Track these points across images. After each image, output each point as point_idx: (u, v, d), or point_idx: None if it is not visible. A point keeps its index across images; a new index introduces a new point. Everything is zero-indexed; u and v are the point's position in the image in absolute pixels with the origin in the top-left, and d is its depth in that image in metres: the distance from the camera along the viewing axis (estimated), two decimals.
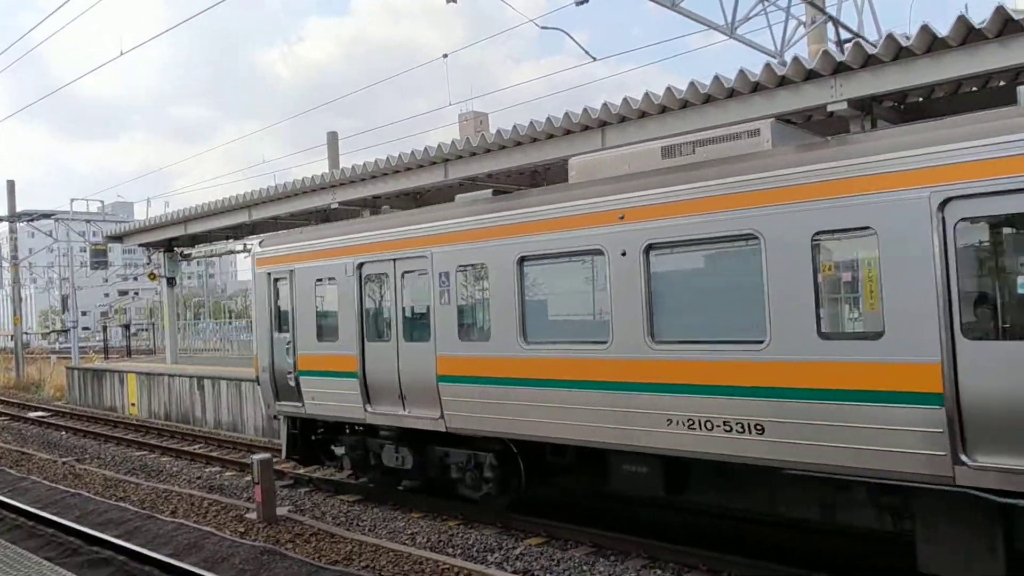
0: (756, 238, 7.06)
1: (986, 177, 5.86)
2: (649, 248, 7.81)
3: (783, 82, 9.75)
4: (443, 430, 9.79)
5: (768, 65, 9.85)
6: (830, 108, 9.62)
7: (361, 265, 10.74)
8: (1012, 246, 6.28)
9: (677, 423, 7.58)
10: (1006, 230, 6.24)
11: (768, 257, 6.99)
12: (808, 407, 6.79)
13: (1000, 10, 7.87)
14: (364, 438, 11.44)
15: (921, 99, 10.17)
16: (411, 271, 10.31)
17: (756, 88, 9.98)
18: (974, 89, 9.75)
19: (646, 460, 8.28)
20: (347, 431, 11.88)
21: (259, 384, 12.71)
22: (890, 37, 8.74)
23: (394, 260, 10.38)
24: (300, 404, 11.75)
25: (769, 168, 7.14)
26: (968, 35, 8.29)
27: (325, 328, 11.47)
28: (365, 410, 10.65)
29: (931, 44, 8.55)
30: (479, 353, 9.41)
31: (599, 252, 8.22)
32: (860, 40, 9.42)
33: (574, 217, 8.43)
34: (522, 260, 8.94)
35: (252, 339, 15.29)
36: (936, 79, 8.87)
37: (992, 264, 6.35)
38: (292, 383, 11.77)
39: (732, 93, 10.18)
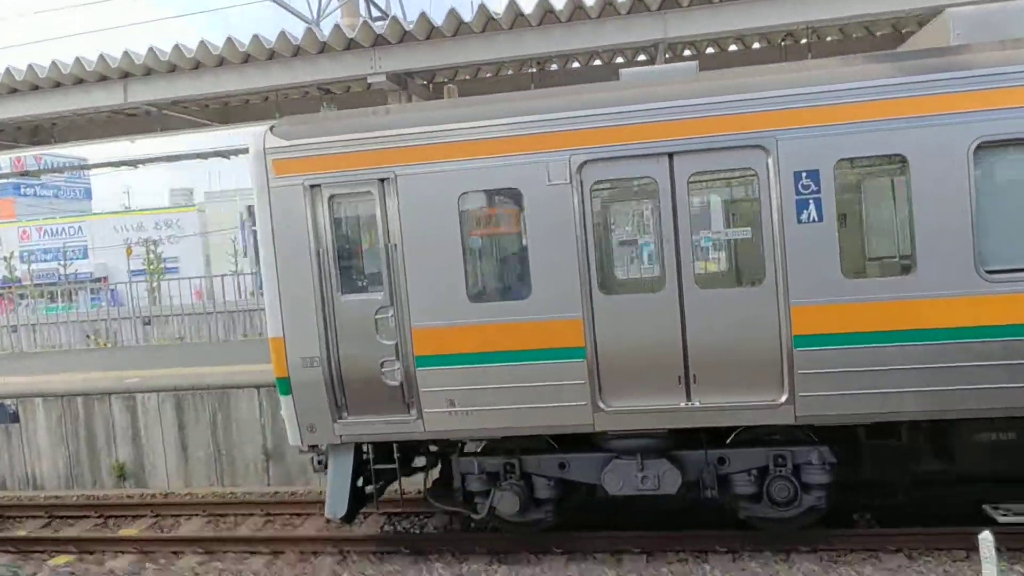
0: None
1: None
2: None
3: (324, 49, 9.74)
4: (791, 421, 6.67)
5: (310, 30, 9.73)
6: (370, 80, 9.92)
7: (584, 165, 6.78)
8: None
9: None
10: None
11: None
12: None
13: (513, 5, 8.94)
14: (563, 459, 7.38)
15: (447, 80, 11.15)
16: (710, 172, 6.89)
17: (298, 52, 9.80)
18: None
19: None
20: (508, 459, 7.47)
21: (290, 392, 7.47)
22: (423, 16, 9.31)
23: (670, 155, 6.64)
24: (411, 417, 7.25)
25: None
26: (487, 24, 9.27)
27: (490, 277, 7.67)
28: (597, 407, 6.89)
29: (457, 28, 9.35)
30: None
31: None
32: (396, 17, 9.87)
33: None
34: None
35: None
36: (461, 61, 9.77)
37: None
38: (395, 381, 7.27)
39: (272, 55, 9.86)
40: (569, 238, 6.78)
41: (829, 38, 10.75)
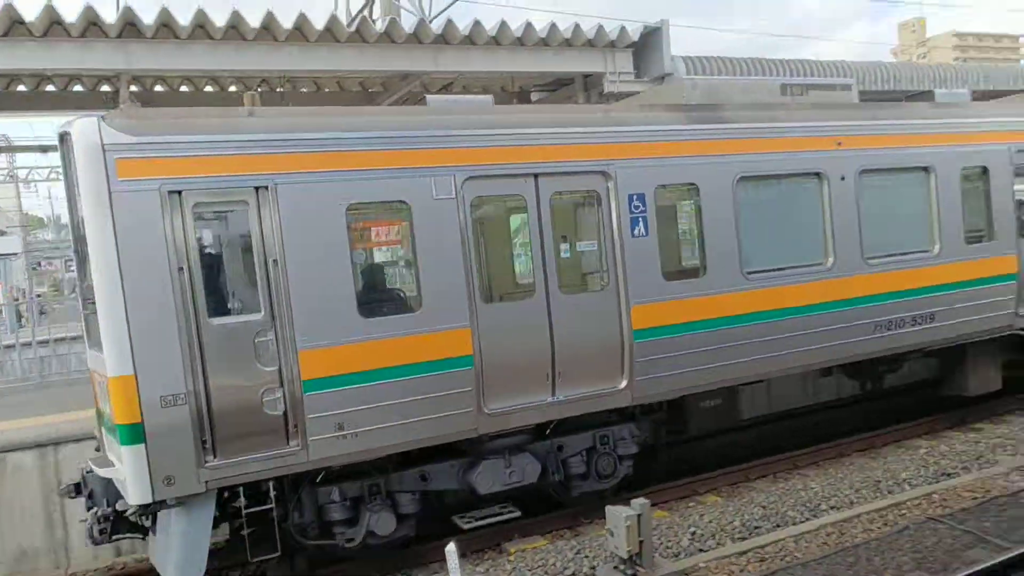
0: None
1: None
2: None
3: None
4: (629, 403, 7.89)
5: None
6: None
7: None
8: None
9: None
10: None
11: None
12: None
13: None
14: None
15: None
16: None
17: None
18: None
19: None
20: None
21: (141, 440, 5.66)
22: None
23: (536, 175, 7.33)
24: (295, 448, 6.14)
25: None
26: None
27: (380, 291, 7.21)
28: (480, 411, 7.03)
29: None
30: None
31: None
32: None
33: None
34: None
35: None
36: None
37: None
38: (277, 411, 6.01)
39: None
40: (456, 250, 7.06)
41: (304, 88, 12.64)
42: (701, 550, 7.30)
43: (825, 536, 7.20)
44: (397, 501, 7.41)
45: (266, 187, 6.41)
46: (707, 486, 9.19)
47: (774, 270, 8.63)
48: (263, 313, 6.46)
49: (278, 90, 12.11)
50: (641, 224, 7.87)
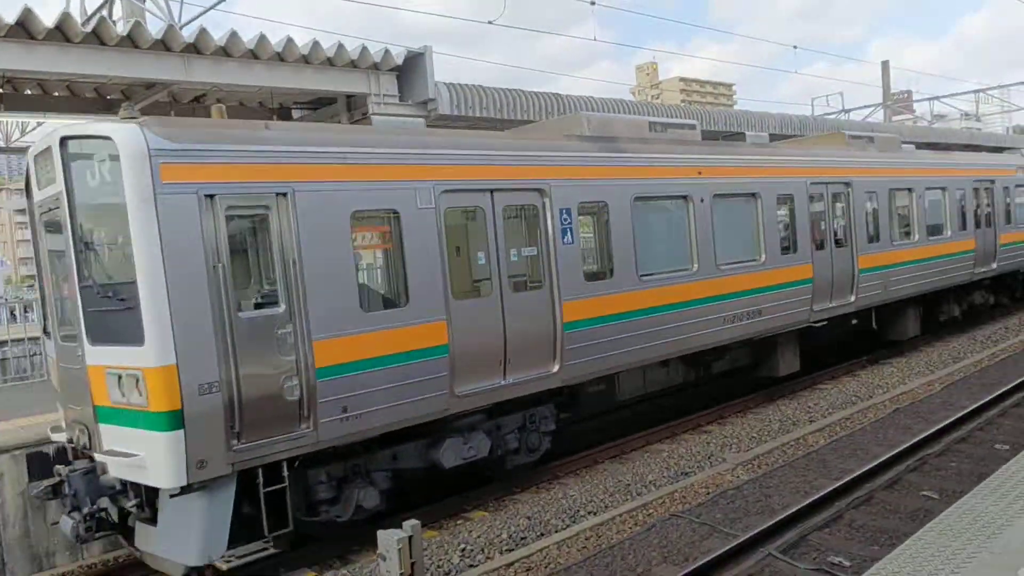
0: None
1: None
2: None
3: None
4: (559, 384, 9.61)
5: None
6: None
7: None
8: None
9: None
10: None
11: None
12: None
13: None
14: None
15: None
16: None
17: None
18: None
19: None
20: None
21: (180, 426, 6.06)
22: None
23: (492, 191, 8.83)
24: (307, 430, 7.05)
25: None
26: None
27: (377, 288, 8.14)
28: (452, 393, 8.21)
29: None
30: None
31: None
32: None
33: None
34: None
35: None
36: None
37: None
38: (294, 396, 6.70)
39: None
40: (434, 253, 8.14)
41: (28, 91, 11.69)
42: (471, 566, 7.64)
43: (584, 540, 7.86)
44: (373, 479, 8.24)
45: (285, 193, 7.13)
46: (473, 502, 9.51)
47: (659, 273, 10.57)
48: (284, 307, 7.15)
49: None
50: (569, 234, 9.42)
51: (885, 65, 35.81)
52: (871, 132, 18.34)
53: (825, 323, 13.57)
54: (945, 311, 17.83)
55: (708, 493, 8.84)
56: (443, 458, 8.66)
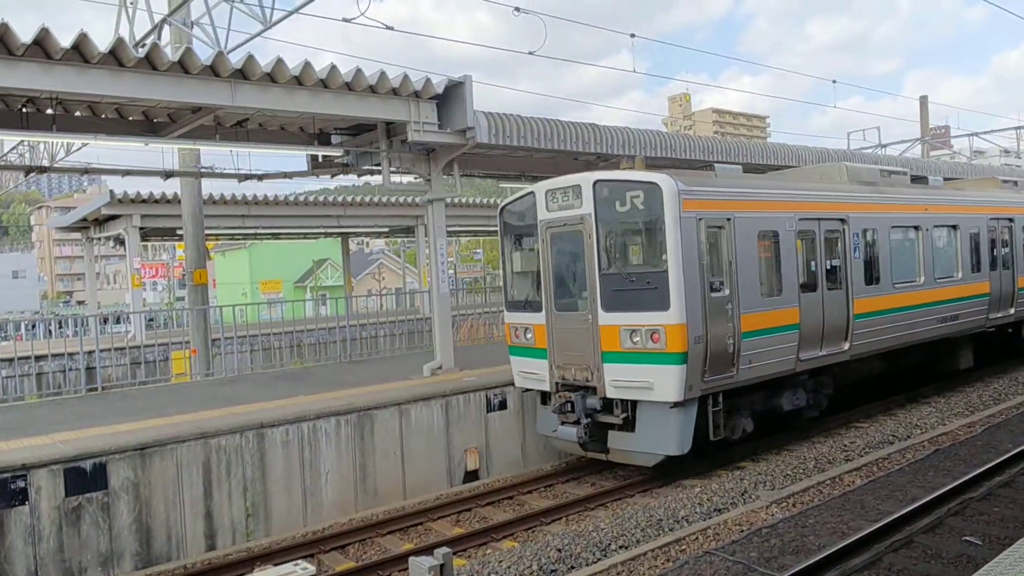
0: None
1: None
2: None
3: None
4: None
5: None
6: None
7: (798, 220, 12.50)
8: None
9: None
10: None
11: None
12: None
13: None
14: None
15: None
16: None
17: None
18: None
19: None
20: None
21: (685, 362, 10.33)
22: None
23: (842, 219, 13.29)
24: (733, 373, 11.14)
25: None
26: None
27: (767, 283, 11.83)
28: (798, 359, 12.18)
29: None
30: None
31: None
32: None
33: None
34: None
35: None
36: None
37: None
38: (731, 349, 11.00)
39: None
40: (792, 261, 12.03)
41: (78, 113, 12.07)
42: None
43: (615, 574, 7.74)
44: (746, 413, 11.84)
45: (729, 219, 11.02)
46: (503, 532, 9.81)
47: (901, 283, 14.38)
48: (728, 291, 10.89)
49: (47, 112, 11.33)
50: (857, 251, 13.22)
51: (923, 100, 35.55)
52: (1017, 177, 21.60)
53: (993, 329, 17.34)
54: None
55: (742, 531, 8.66)
56: (784, 403, 12.18)
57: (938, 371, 16.73)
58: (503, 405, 12.65)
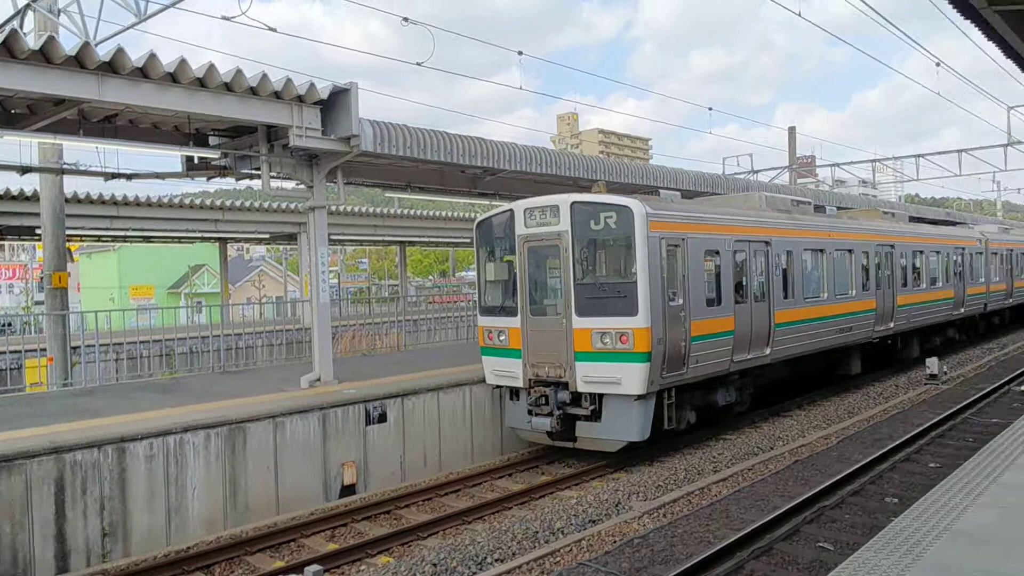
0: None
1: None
2: None
3: None
4: None
5: None
6: None
7: (735, 242, 14.36)
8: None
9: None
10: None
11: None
12: None
13: None
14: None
15: None
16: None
17: None
18: None
19: None
20: None
21: (648, 360, 11.93)
22: None
23: (766, 242, 15.22)
24: (683, 371, 12.75)
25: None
26: None
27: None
28: (732, 361, 14.09)
29: None
30: None
31: None
32: None
33: None
34: None
35: None
36: None
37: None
38: (684, 352, 12.76)
39: None
40: (729, 277, 13.80)
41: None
42: None
43: None
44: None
45: (683, 239, 12.68)
46: (379, 548, 9.67)
47: (810, 297, 16.60)
48: (681, 301, 12.53)
49: None
50: (778, 269, 15.22)
51: (792, 130, 37.74)
52: (896, 210, 25.76)
53: (878, 340, 19.83)
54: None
55: (615, 541, 8.87)
56: (719, 399, 14.01)
57: (831, 376, 19.00)
58: (383, 418, 12.46)
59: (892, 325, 20.13)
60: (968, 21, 8.48)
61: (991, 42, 9.44)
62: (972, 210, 73.82)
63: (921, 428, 13.51)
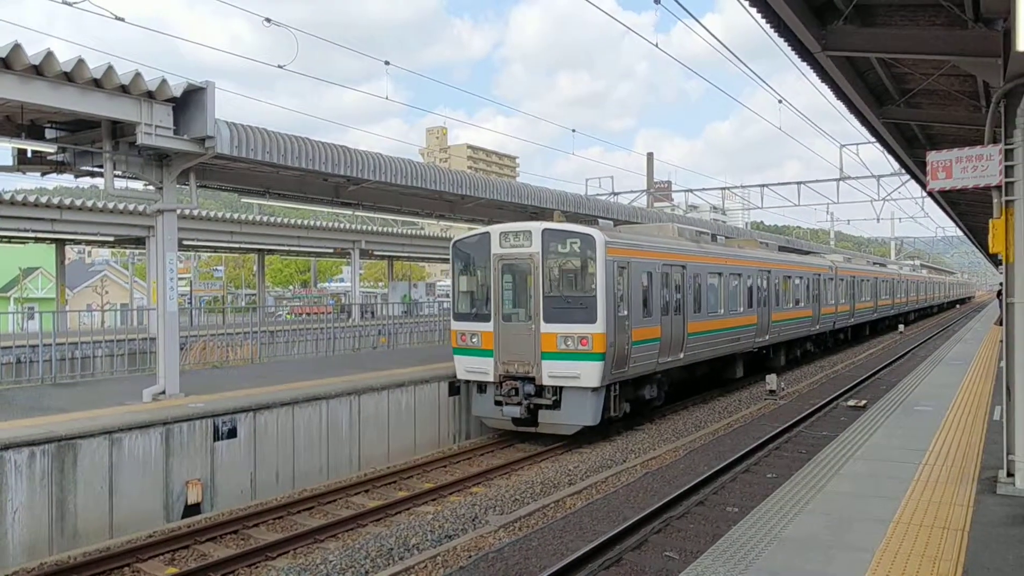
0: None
1: None
2: None
3: None
4: None
5: None
6: None
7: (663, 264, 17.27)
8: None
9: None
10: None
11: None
12: None
13: None
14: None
15: None
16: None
17: None
18: None
19: None
20: None
21: (603, 359, 14.50)
22: None
23: (683, 265, 18.32)
24: (626, 369, 15.38)
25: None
26: None
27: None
28: (657, 362, 16.84)
29: None
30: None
31: None
32: None
33: None
34: None
35: None
36: None
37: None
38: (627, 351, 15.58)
39: None
40: (660, 292, 16.81)
41: None
42: None
43: None
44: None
45: (629, 262, 15.39)
46: (223, 570, 9.19)
47: (713, 311, 19.75)
48: (626, 312, 15.18)
49: None
50: (691, 288, 18.10)
51: (650, 156, 39.48)
52: (769, 240, 30.70)
53: (757, 350, 23.76)
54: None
55: (470, 556, 8.85)
56: (646, 393, 16.60)
57: (720, 379, 22.32)
58: (233, 433, 11.90)
59: (768, 337, 24.05)
60: (805, 63, 9.20)
61: (824, 83, 10.27)
62: (809, 238, 79.94)
63: (760, 441, 14.39)
